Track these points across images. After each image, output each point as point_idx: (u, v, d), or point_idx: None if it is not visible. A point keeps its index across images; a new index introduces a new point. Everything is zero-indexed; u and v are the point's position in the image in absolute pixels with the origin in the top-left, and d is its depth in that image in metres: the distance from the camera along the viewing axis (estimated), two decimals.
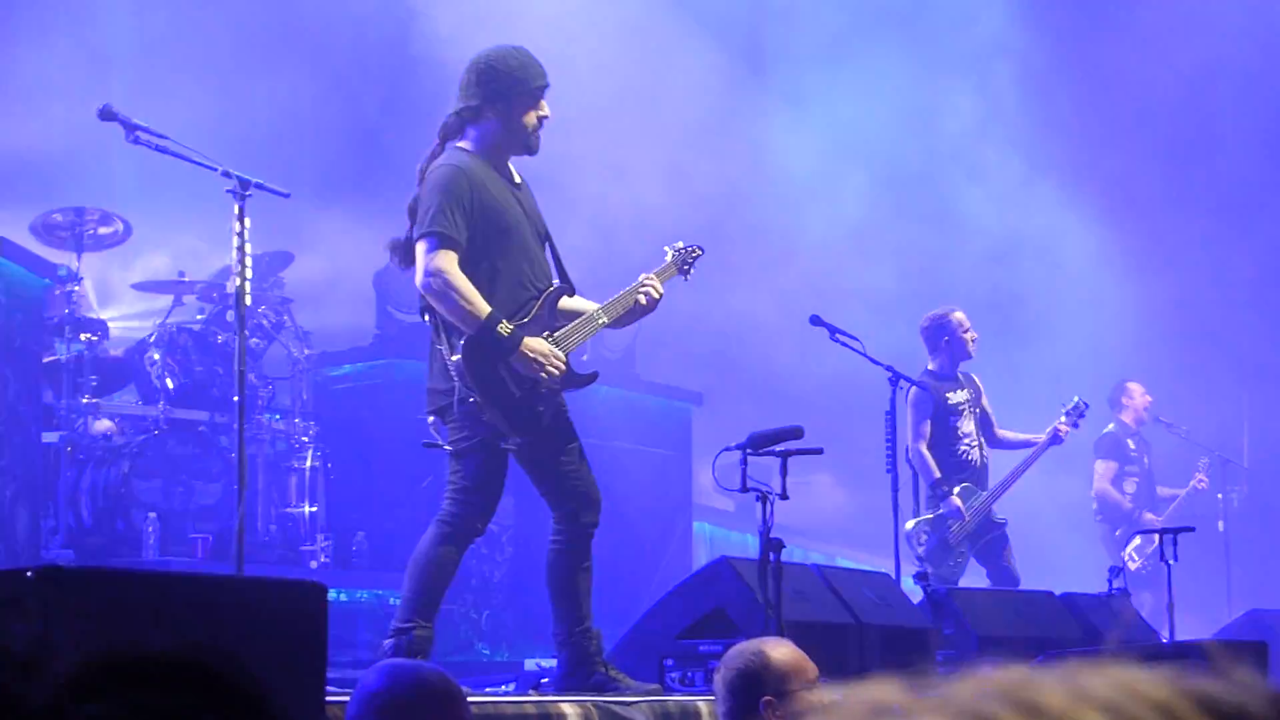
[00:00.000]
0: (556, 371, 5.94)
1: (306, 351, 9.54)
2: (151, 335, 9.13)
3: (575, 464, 6.06)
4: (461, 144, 6.04)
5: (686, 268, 6.52)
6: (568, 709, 5.35)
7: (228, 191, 6.13)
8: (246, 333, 6.30)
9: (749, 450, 5.97)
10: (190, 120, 8.19)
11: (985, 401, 9.41)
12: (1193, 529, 8.33)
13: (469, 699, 3.72)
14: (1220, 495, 12.43)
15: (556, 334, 6.03)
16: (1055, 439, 9.39)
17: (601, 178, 11.18)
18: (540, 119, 6.03)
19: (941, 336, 9.28)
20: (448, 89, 6.14)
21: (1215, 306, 13.73)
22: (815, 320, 8.45)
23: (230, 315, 8.77)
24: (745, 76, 13.21)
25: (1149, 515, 11.55)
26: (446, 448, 5.93)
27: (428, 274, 5.83)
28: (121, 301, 10.26)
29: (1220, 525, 12.35)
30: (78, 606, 3.03)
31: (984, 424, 9.35)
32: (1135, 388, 11.89)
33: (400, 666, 3.62)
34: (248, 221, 6.14)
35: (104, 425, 8.89)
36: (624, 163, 11.56)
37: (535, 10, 10.49)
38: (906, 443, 8.98)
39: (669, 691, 6.04)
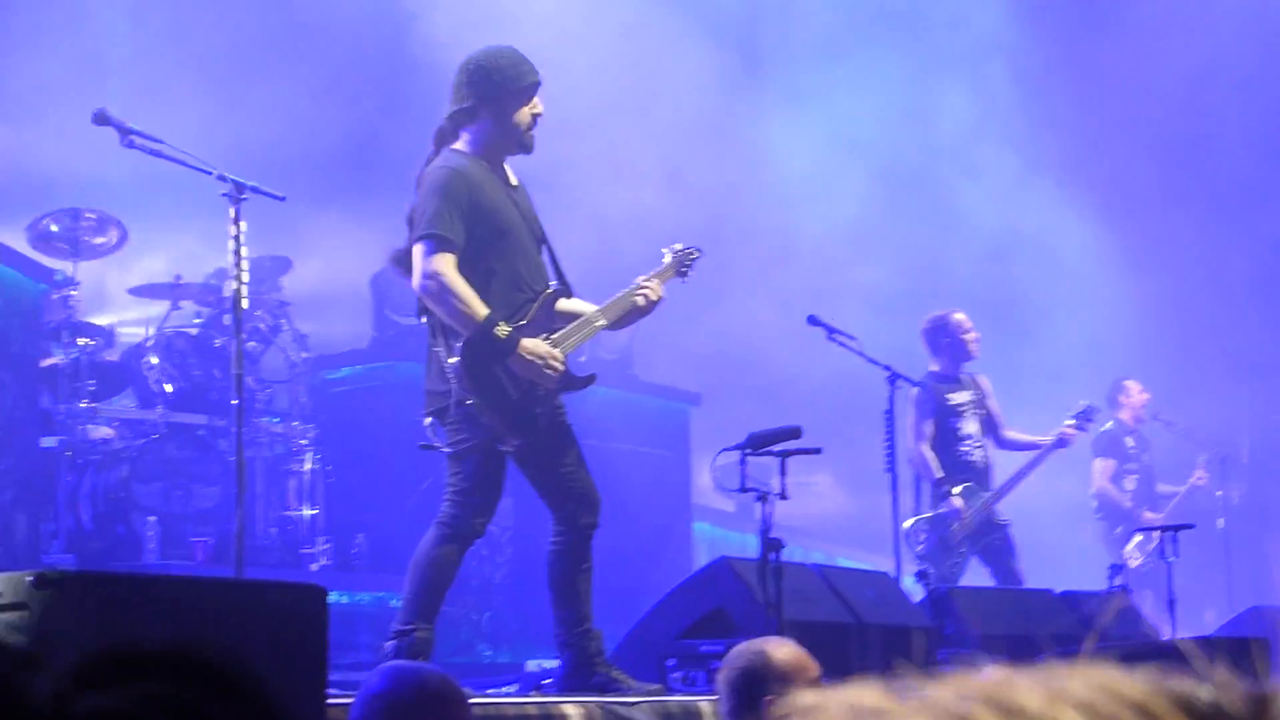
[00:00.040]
0: (555, 373, 5.93)
1: (304, 355, 9.54)
2: (149, 340, 9.13)
3: (574, 465, 6.06)
4: (457, 146, 6.04)
5: (685, 269, 6.51)
6: (570, 710, 5.34)
7: (223, 195, 6.12)
8: (244, 336, 6.30)
9: (748, 450, 5.97)
10: (186, 124, 8.19)
11: (992, 403, 9.37)
12: (1193, 526, 8.32)
13: (471, 700, 3.72)
14: (1220, 492, 12.42)
15: (554, 336, 6.03)
16: (1062, 442, 9.33)
17: (599, 179, 11.18)
18: (534, 116, 6.03)
19: (942, 338, 9.27)
20: (445, 92, 6.13)
21: (1213, 303, 13.71)
22: (813, 320, 8.45)
23: (227, 319, 8.77)
24: (742, 76, 13.20)
25: (1149, 513, 11.54)
26: (445, 449, 5.92)
27: (425, 276, 5.83)
28: (118, 306, 10.25)
29: (1220, 522, 12.35)
30: (78, 611, 3.03)
31: (990, 425, 9.32)
32: (1133, 385, 11.88)
33: (402, 669, 3.62)
34: (244, 225, 6.14)
35: (103, 432, 8.88)
36: (621, 164, 11.57)
37: (533, 13, 10.49)
38: (906, 443, 8.97)
39: (671, 691, 6.04)
